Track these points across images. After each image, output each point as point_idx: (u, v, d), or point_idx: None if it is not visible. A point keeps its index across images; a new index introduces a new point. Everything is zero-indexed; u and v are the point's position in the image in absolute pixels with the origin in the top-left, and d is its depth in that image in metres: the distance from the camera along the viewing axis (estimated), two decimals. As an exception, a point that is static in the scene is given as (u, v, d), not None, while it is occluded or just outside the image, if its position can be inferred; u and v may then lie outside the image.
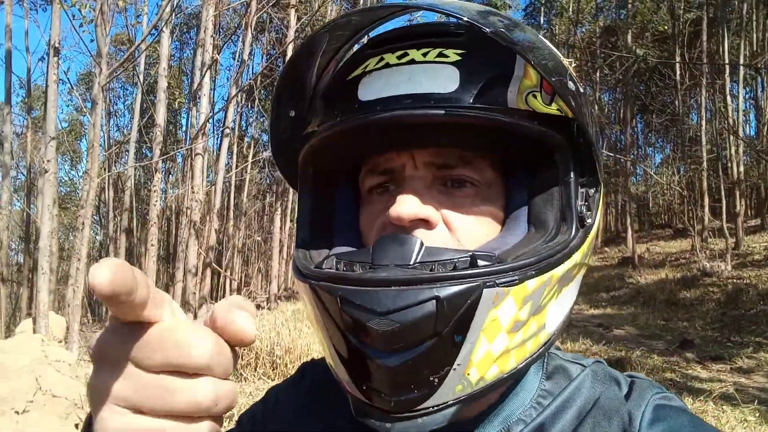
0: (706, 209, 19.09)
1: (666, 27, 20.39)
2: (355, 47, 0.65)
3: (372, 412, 0.52)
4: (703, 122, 20.17)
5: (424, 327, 0.48)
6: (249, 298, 16.38)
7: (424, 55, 0.55)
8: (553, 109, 0.55)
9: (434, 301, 0.47)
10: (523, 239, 0.56)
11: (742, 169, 17.90)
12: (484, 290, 0.48)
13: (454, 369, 0.49)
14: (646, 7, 21.15)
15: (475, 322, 0.49)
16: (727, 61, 17.60)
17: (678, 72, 20.24)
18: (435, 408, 0.50)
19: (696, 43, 20.52)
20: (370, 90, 0.55)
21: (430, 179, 0.58)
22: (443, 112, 0.52)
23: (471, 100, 0.53)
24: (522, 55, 0.50)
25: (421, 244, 0.52)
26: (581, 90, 0.58)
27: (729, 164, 18.65)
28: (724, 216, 17.39)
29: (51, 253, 8.04)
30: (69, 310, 7.96)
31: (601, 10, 24.32)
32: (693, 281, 14.33)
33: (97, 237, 29.89)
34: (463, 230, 0.57)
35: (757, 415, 5.43)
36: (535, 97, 0.55)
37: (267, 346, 6.93)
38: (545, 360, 0.64)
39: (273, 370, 6.84)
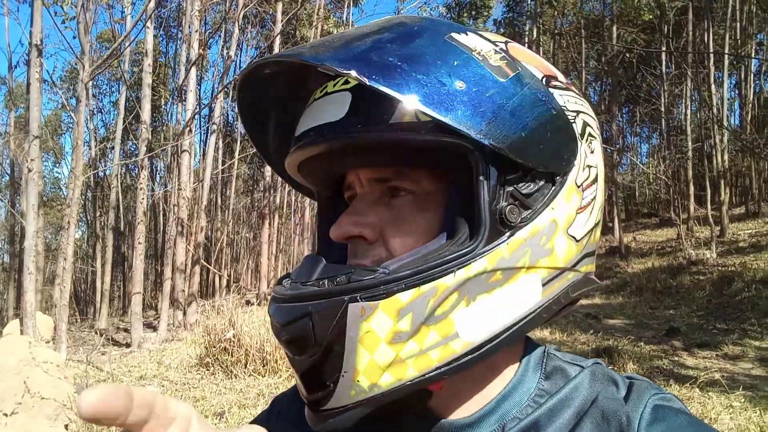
0: (692, 198, 19.28)
1: (650, 16, 20.47)
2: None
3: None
4: (688, 112, 20.34)
5: (307, 339, 0.53)
6: (238, 294, 16.35)
7: (335, 84, 0.58)
8: (447, 118, 0.53)
9: (308, 316, 0.52)
10: (434, 249, 0.55)
11: (726, 158, 18.08)
12: (350, 305, 0.51)
13: (343, 376, 0.53)
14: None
15: (348, 335, 0.52)
16: (711, 50, 17.73)
17: (663, 62, 20.37)
18: (338, 409, 0.55)
19: (681, 33, 20.64)
20: (301, 124, 0.60)
21: (376, 193, 0.61)
22: (333, 139, 0.56)
23: (354, 124, 0.55)
24: (355, 78, 0.50)
25: (323, 262, 0.57)
26: (493, 80, 0.56)
27: (714, 153, 18.83)
28: (709, 205, 17.59)
29: (37, 252, 7.96)
30: (56, 310, 7.90)
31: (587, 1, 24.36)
32: (679, 270, 14.49)
33: (83, 236, 29.68)
34: (395, 243, 0.58)
35: (742, 400, 5.52)
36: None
37: (257, 343, 6.93)
38: (544, 360, 0.64)
39: (263, 366, 6.84)
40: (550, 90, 0.59)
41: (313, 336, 0.52)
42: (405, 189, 0.59)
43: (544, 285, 0.58)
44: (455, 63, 0.55)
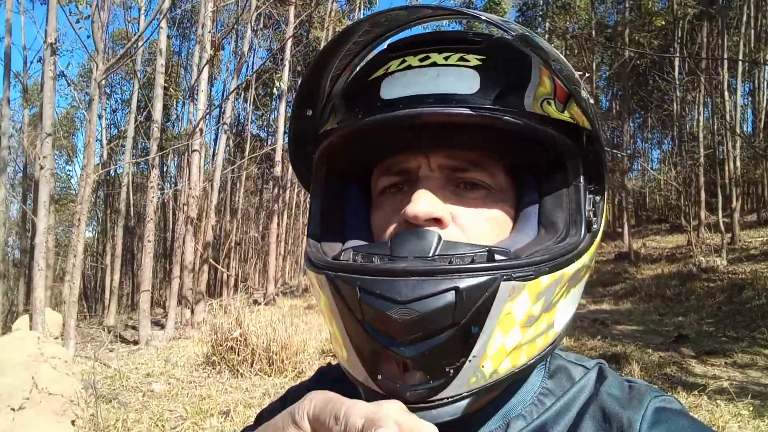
0: (703, 205, 19.13)
1: (663, 22, 20.35)
2: (375, 51, 0.67)
3: None
4: (701, 118, 20.18)
5: (443, 317, 0.49)
6: (246, 293, 16.38)
7: (446, 58, 0.57)
8: (566, 116, 0.57)
9: (453, 291, 0.49)
10: (535, 239, 0.57)
11: (739, 165, 17.92)
12: (502, 283, 0.50)
13: (470, 360, 0.51)
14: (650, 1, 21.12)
15: (491, 314, 0.50)
16: (725, 56, 17.59)
17: (676, 68, 20.24)
18: (449, 399, 0.51)
19: (695, 39, 20.51)
20: (393, 89, 0.57)
21: (443, 181, 0.60)
22: (467, 111, 0.54)
23: (491, 102, 0.54)
24: (545, 61, 0.53)
25: (440, 237, 0.54)
26: (591, 100, 0.59)
27: (726, 160, 18.67)
28: (720, 212, 17.43)
29: (47, 249, 8.03)
30: (65, 306, 7.96)
31: (602, 2, 24.27)
32: (689, 276, 14.36)
33: (94, 233, 29.89)
34: (474, 230, 0.58)
35: (751, 409, 5.46)
36: (549, 104, 0.57)
37: (263, 342, 6.94)
38: (547, 359, 0.64)
39: (269, 366, 6.85)
40: None
41: (453, 313, 0.49)
42: (479, 181, 0.60)
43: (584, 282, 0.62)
44: (573, 73, 0.57)
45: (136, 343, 9.82)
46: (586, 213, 0.58)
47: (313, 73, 0.65)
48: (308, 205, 0.70)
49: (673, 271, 15.42)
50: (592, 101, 0.60)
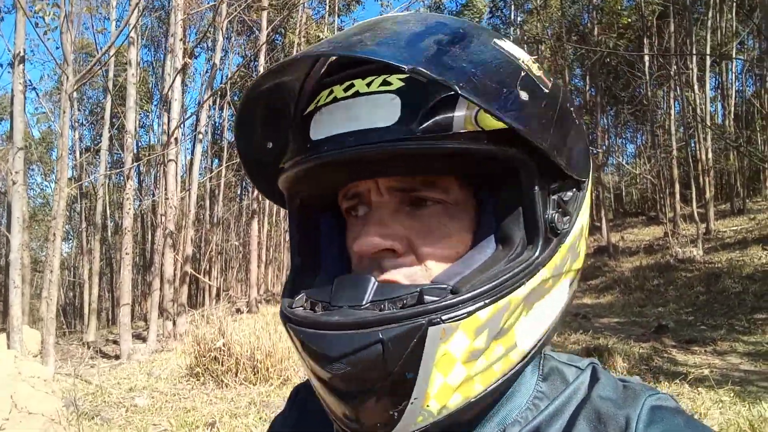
0: (677, 197, 19.47)
1: (629, 20, 20.70)
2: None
3: None
4: (672, 112, 20.55)
5: (375, 369, 0.50)
6: (229, 302, 16.25)
7: (368, 84, 0.53)
8: (502, 123, 0.53)
9: (380, 344, 0.49)
10: (488, 260, 0.55)
11: (711, 156, 18.29)
12: (429, 328, 0.49)
13: (412, 403, 0.51)
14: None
15: (424, 359, 0.49)
16: (694, 51, 17.95)
17: (647, 63, 20.59)
18: None
19: (663, 34, 20.88)
20: (319, 128, 0.56)
21: (396, 202, 0.58)
22: (388, 146, 0.52)
23: (412, 130, 0.51)
24: (450, 87, 0.47)
25: (374, 283, 0.54)
26: (542, 90, 0.55)
27: (698, 152, 19.04)
28: (694, 203, 17.76)
29: (23, 266, 7.88)
30: (43, 323, 7.81)
31: (570, 4, 24.59)
32: (667, 268, 14.62)
33: (71, 248, 29.39)
34: (429, 255, 0.57)
35: (732, 395, 5.56)
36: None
37: (247, 351, 6.88)
38: (541, 362, 0.64)
39: (254, 374, 6.80)
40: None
41: (383, 364, 0.49)
42: (433, 198, 0.57)
43: (570, 285, 0.60)
44: (512, 72, 0.53)
45: (117, 357, 9.67)
46: (549, 218, 0.55)
47: (266, 107, 0.64)
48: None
49: (652, 263, 15.68)
50: (544, 90, 0.56)
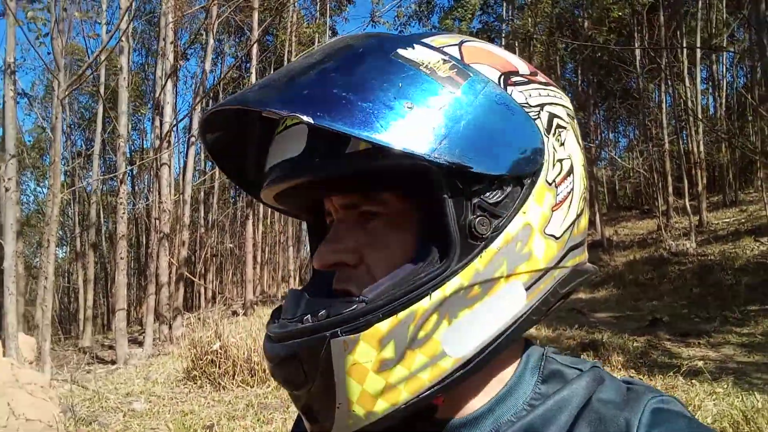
0: (670, 190, 19.55)
1: (620, 14, 20.75)
2: None
3: None
4: (664, 105, 20.63)
5: (298, 376, 0.54)
6: (225, 305, 16.24)
7: (293, 118, 0.56)
8: (396, 143, 0.52)
9: (296, 355, 0.54)
10: (410, 272, 0.55)
11: (702, 149, 18.37)
12: (332, 341, 0.52)
13: (338, 407, 0.54)
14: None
15: (336, 369, 0.52)
16: (684, 44, 18.03)
17: (638, 58, 20.66)
18: None
19: (653, 27, 20.96)
20: (269, 158, 0.61)
21: (353, 218, 0.61)
22: (296, 177, 0.57)
23: (314, 157, 0.55)
24: (301, 120, 0.50)
25: (306, 298, 0.59)
26: (445, 92, 0.54)
27: (690, 145, 19.13)
28: (687, 196, 17.85)
29: (17, 273, 7.85)
30: (39, 330, 7.80)
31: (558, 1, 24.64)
32: (661, 261, 14.69)
33: (66, 253, 29.27)
34: (375, 266, 0.58)
35: (726, 386, 5.61)
36: None
37: (244, 354, 6.90)
38: (542, 364, 0.63)
39: (251, 376, 6.81)
40: (508, 89, 0.57)
41: (304, 373, 0.54)
42: (375, 212, 0.59)
43: (527, 289, 0.57)
44: (400, 84, 0.53)
45: (113, 362, 9.67)
46: (465, 223, 0.54)
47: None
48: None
49: (645, 257, 15.76)
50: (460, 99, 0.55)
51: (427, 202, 0.55)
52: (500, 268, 0.55)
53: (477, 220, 0.54)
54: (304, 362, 0.53)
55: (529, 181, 0.57)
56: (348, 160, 0.54)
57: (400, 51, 0.56)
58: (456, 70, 0.56)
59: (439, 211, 0.54)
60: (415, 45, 0.57)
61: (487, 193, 0.55)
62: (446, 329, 0.54)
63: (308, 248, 0.76)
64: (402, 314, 0.52)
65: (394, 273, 0.56)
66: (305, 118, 0.49)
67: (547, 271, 0.58)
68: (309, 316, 0.55)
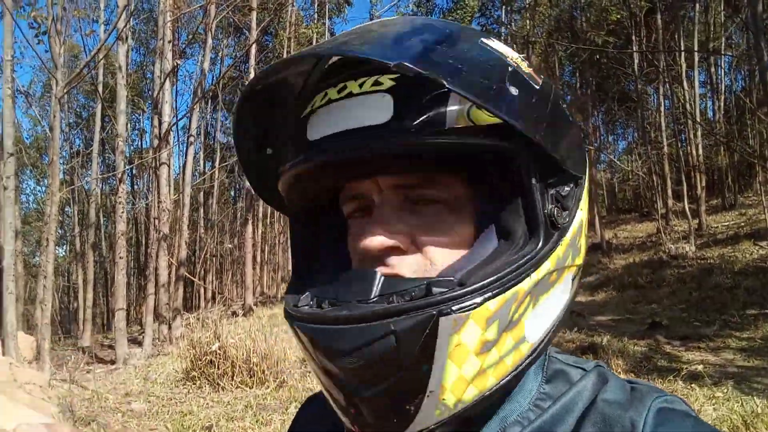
0: (669, 193, 19.58)
1: (618, 16, 20.78)
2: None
3: None
4: (663, 108, 20.66)
5: (388, 361, 0.49)
6: (224, 306, 16.22)
7: (361, 85, 0.54)
8: (496, 118, 0.53)
9: (392, 335, 0.49)
10: (491, 254, 0.55)
11: (701, 152, 18.40)
12: (441, 318, 0.49)
13: (428, 396, 0.51)
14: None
15: (438, 350, 0.49)
16: (682, 47, 18.06)
17: (636, 60, 20.69)
18: None
19: (651, 30, 20.99)
20: (317, 129, 0.56)
21: (398, 200, 0.58)
22: (382, 143, 0.53)
23: (406, 127, 0.52)
24: (439, 81, 0.48)
25: (381, 277, 0.54)
26: (533, 86, 0.56)
27: (688, 148, 19.17)
28: (686, 199, 17.87)
29: (17, 272, 7.84)
30: (38, 329, 7.79)
31: (559, 2, 24.65)
32: (660, 264, 14.70)
33: (66, 252, 29.24)
34: (434, 251, 0.57)
35: (725, 391, 5.61)
36: (479, 108, 0.53)
37: (243, 354, 6.88)
38: (545, 363, 0.63)
39: (250, 377, 6.80)
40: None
41: (397, 357, 0.49)
42: (434, 196, 0.58)
43: (572, 281, 0.60)
44: (500, 68, 0.54)
45: (113, 362, 9.65)
46: (548, 211, 0.55)
47: (260, 115, 0.65)
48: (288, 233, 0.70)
49: (645, 260, 15.76)
50: (534, 86, 0.57)
51: (502, 188, 0.56)
52: (568, 259, 0.58)
53: (555, 209, 0.56)
54: (401, 343, 0.49)
55: (582, 180, 0.60)
56: (447, 133, 0.52)
57: (484, 40, 0.57)
58: (532, 68, 0.58)
59: (526, 197, 0.55)
60: (492, 38, 0.59)
61: (561, 186, 0.57)
62: (531, 312, 0.55)
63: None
64: (508, 293, 0.52)
65: (470, 255, 0.56)
66: (444, 81, 0.47)
67: (580, 267, 0.61)
68: (395, 296, 0.52)
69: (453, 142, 0.53)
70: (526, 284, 0.53)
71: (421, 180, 0.57)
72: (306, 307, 0.58)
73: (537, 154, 0.54)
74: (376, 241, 0.56)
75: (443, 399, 0.51)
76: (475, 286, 0.50)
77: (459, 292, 0.50)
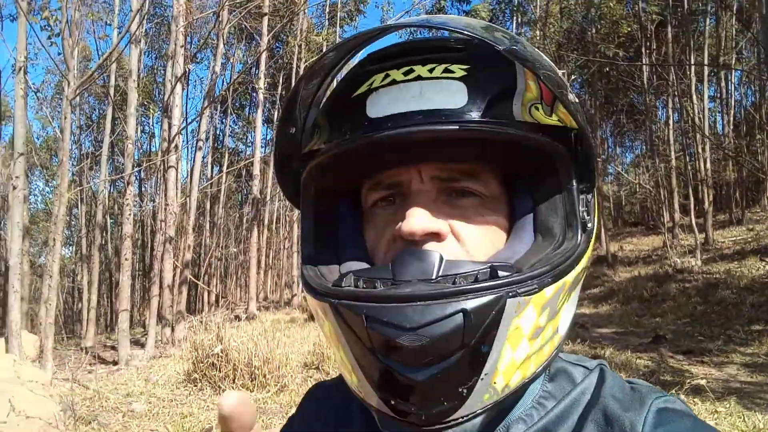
0: (676, 206, 19.49)
1: (629, 29, 20.79)
2: (351, 63, 0.67)
3: (401, 426, 0.54)
4: (671, 122, 20.63)
5: (453, 340, 0.49)
6: (228, 309, 16.25)
7: (430, 71, 0.55)
8: (554, 120, 0.57)
9: (461, 314, 0.48)
10: (532, 248, 0.57)
11: (709, 166, 18.33)
12: (508, 300, 0.49)
13: (482, 379, 0.51)
14: (613, 8, 21.54)
15: (500, 331, 0.50)
16: (693, 61, 18.04)
17: (645, 73, 20.68)
18: (464, 418, 0.52)
19: (661, 42, 20.99)
20: (379, 107, 0.56)
21: (436, 191, 0.59)
22: (456, 127, 0.53)
23: (480, 115, 0.54)
24: (534, 72, 0.52)
25: (441, 257, 0.53)
26: (577, 102, 0.59)
27: (696, 162, 19.10)
28: (693, 213, 17.78)
29: (22, 271, 7.90)
30: (42, 328, 7.83)
31: (570, 14, 24.69)
32: (665, 277, 14.63)
33: (72, 253, 29.37)
34: (472, 241, 0.58)
35: (728, 405, 5.57)
36: (537, 109, 0.56)
37: (245, 358, 6.89)
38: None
39: (251, 381, 6.81)
40: None
41: (462, 336, 0.49)
42: (472, 189, 0.59)
43: (580, 284, 0.62)
44: (561, 74, 0.58)
45: (115, 363, 9.67)
46: (581, 214, 0.58)
47: (295, 92, 0.64)
48: (299, 224, 0.69)
49: (650, 273, 15.69)
50: (577, 100, 0.59)
51: (543, 188, 0.59)
52: (590, 259, 0.60)
53: (585, 212, 0.59)
54: (468, 323, 0.49)
55: (595, 190, 0.62)
56: (515, 126, 0.55)
57: (536, 49, 0.60)
58: (562, 74, 0.60)
59: (567, 197, 0.58)
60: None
61: (588, 193, 0.60)
62: (567, 305, 0.57)
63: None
64: (560, 282, 0.53)
65: (509, 248, 0.58)
66: (540, 75, 0.52)
67: (584, 272, 0.62)
68: (458, 278, 0.52)
69: (520, 135, 0.55)
70: (571, 276, 0.55)
71: (462, 172, 0.59)
72: (350, 288, 0.56)
73: (576, 159, 0.58)
74: (422, 224, 0.55)
75: (494, 383, 0.51)
76: (535, 272, 0.52)
77: (522, 276, 0.51)
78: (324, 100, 0.66)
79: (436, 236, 0.56)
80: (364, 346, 0.52)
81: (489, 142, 0.55)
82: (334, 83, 0.67)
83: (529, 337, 0.52)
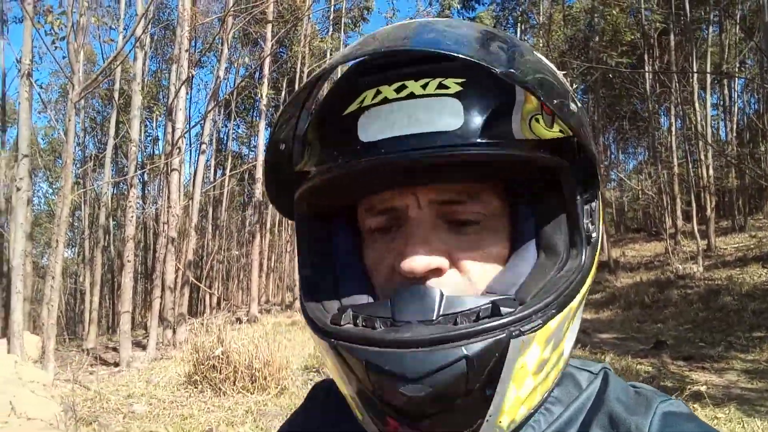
0: (678, 212, 19.47)
1: (632, 37, 20.83)
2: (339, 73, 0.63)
3: None
4: (674, 129, 20.65)
5: (456, 388, 0.47)
6: (229, 312, 16.27)
7: (424, 87, 0.51)
8: (555, 131, 0.53)
9: (464, 360, 0.46)
10: (536, 268, 0.55)
11: (711, 173, 18.33)
12: (512, 341, 0.47)
13: (487, 420, 0.49)
14: (616, 17, 21.58)
15: (504, 373, 0.48)
16: (695, 69, 18.06)
17: (648, 81, 20.71)
18: None
19: (664, 50, 21.02)
20: (371, 129, 0.52)
21: (435, 217, 0.56)
22: (452, 150, 0.49)
23: (478, 136, 0.50)
24: (533, 93, 0.48)
25: (442, 295, 0.51)
26: (581, 106, 0.56)
27: (699, 169, 19.11)
28: (695, 219, 17.77)
29: (25, 272, 7.93)
30: (44, 329, 7.86)
31: (573, 22, 24.73)
32: (667, 284, 14.60)
33: (75, 254, 29.44)
34: (474, 270, 0.55)
35: (728, 412, 5.56)
36: (537, 120, 0.53)
37: (245, 360, 6.91)
38: None
39: (252, 383, 6.82)
40: None
41: (466, 382, 0.46)
42: (473, 215, 0.56)
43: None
44: (563, 83, 0.55)
45: (116, 364, 9.69)
46: (585, 227, 0.55)
47: (288, 107, 0.60)
48: (296, 245, 0.66)
49: (652, 279, 15.66)
50: (580, 105, 0.56)
51: (546, 203, 0.56)
52: (595, 270, 0.58)
53: (588, 224, 0.56)
54: (471, 368, 0.46)
55: (598, 196, 0.60)
56: (516, 145, 0.51)
57: (537, 53, 0.57)
58: (566, 83, 0.58)
59: (571, 212, 0.55)
60: (536, 53, 0.58)
61: (592, 201, 0.57)
62: (571, 327, 0.54)
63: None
64: (565, 311, 0.51)
65: (510, 270, 0.55)
66: (539, 94, 0.48)
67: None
68: (459, 317, 0.49)
69: (520, 155, 0.51)
70: (576, 301, 0.52)
71: (460, 194, 0.56)
72: (349, 326, 0.53)
73: (578, 169, 0.55)
74: (422, 262, 0.53)
75: (499, 422, 0.50)
76: (538, 306, 0.49)
77: (526, 312, 0.48)
78: (315, 110, 0.62)
79: (437, 271, 0.54)
80: (365, 389, 0.51)
81: (488, 163, 0.52)
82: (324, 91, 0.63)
83: (534, 372, 0.50)
